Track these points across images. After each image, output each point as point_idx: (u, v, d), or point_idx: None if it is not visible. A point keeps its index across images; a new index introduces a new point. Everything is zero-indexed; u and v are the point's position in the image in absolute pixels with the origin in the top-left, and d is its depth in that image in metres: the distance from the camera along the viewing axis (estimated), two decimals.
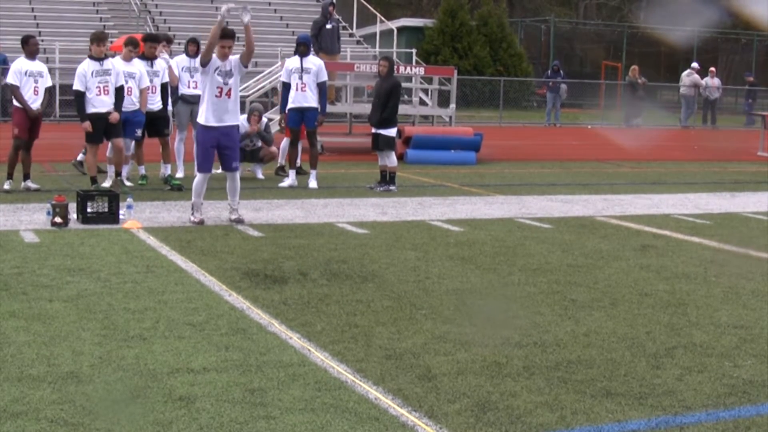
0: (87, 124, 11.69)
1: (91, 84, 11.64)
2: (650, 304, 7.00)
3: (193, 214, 10.02)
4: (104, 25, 27.74)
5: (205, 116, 9.84)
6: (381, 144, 13.12)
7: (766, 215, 11.84)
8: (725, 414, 4.76)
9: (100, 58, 11.72)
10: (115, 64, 12.09)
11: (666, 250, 9.20)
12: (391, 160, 13.17)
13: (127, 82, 12.21)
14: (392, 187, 13.13)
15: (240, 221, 10.05)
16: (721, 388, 5.15)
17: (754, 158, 20.76)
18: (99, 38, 11.84)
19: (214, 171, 14.40)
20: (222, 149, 9.99)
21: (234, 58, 9.90)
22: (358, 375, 5.19)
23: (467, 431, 4.48)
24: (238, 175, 10.15)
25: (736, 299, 7.24)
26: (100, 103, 11.71)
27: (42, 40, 24.88)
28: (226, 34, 9.76)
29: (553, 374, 5.30)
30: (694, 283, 7.75)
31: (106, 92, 11.73)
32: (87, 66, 11.68)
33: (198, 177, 9.98)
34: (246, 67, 9.95)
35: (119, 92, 11.93)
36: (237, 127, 10.16)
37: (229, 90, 9.83)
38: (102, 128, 11.77)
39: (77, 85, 11.69)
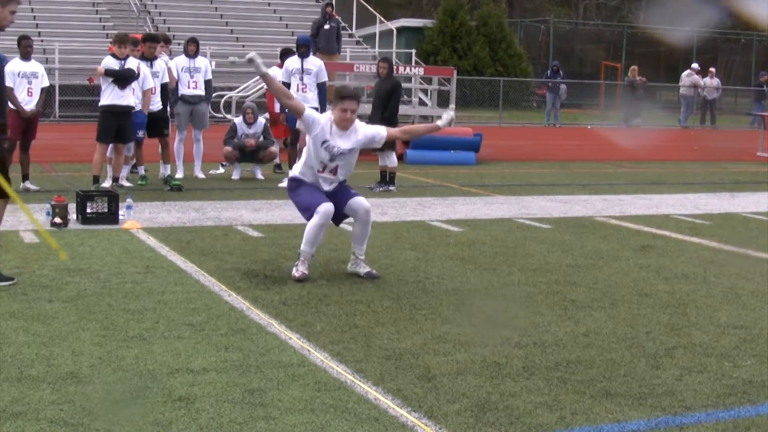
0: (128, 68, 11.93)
1: None
2: (650, 304, 6.99)
3: (296, 266, 7.51)
4: (104, 26, 27.76)
5: (301, 171, 7.66)
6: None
7: (766, 215, 11.84)
8: (725, 414, 4.76)
9: (122, 58, 11.95)
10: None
11: (666, 251, 9.19)
12: (391, 160, 13.17)
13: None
14: (392, 188, 13.13)
15: (373, 276, 7.53)
16: (720, 388, 5.15)
17: (754, 158, 20.77)
18: (120, 40, 12.13)
19: (214, 171, 14.59)
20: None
21: (365, 134, 7.57)
22: (357, 375, 5.18)
23: (467, 431, 4.48)
24: (370, 214, 7.64)
25: (736, 299, 7.24)
26: (118, 97, 11.88)
27: (42, 41, 24.91)
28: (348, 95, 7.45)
29: (553, 374, 5.29)
30: (694, 283, 7.74)
31: (124, 89, 11.96)
32: (111, 62, 11.95)
33: (313, 219, 7.42)
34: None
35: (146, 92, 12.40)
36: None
37: (335, 169, 7.56)
38: (114, 127, 11.85)
39: (108, 65, 11.93)
